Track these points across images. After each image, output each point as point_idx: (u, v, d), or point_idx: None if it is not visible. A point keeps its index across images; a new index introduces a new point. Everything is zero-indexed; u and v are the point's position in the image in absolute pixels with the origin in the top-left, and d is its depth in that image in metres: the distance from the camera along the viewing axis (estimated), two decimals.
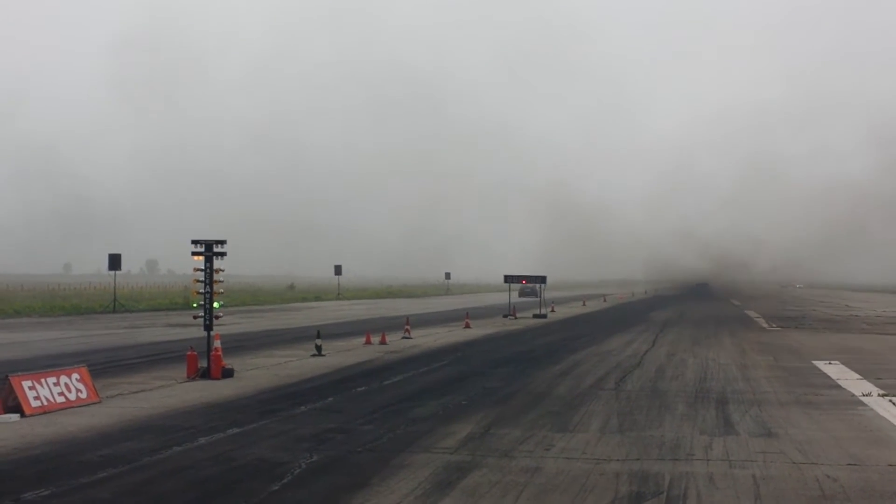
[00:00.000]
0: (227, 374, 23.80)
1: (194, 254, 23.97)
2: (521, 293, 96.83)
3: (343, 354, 30.81)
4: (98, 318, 56.41)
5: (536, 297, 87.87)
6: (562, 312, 67.65)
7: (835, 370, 26.75)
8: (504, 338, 40.71)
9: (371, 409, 18.75)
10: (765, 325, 52.38)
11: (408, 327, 39.92)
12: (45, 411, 17.83)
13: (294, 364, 27.65)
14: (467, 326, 46.60)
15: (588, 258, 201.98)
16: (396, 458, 13.77)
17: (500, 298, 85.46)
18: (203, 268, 23.95)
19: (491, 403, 19.54)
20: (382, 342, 34.97)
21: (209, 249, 23.91)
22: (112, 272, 64.16)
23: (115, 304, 64.58)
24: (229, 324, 45.45)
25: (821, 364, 28.61)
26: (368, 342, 35.03)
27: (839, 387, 22.97)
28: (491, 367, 27.29)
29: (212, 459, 13.76)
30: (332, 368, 26.47)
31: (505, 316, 58.30)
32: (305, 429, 16.31)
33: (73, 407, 18.46)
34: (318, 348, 30.44)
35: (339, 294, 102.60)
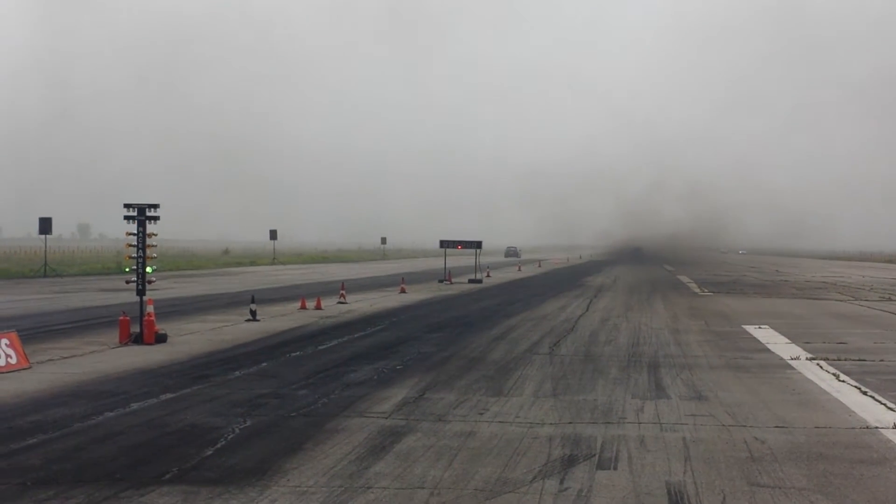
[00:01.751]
0: (161, 339, 23.60)
1: (126, 218, 23.67)
2: (507, 254, 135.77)
3: (278, 319, 30.67)
4: (28, 282, 55.51)
5: (518, 257, 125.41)
6: (497, 277, 67.93)
7: (764, 334, 27.21)
8: (439, 302, 40.81)
9: (306, 373, 18.71)
10: (697, 291, 53.10)
11: (343, 292, 39.84)
12: None
13: (228, 329, 27.47)
14: (403, 291, 46.63)
15: (534, 221, 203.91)
16: (331, 423, 13.76)
17: (436, 263, 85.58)
18: (135, 232, 23.67)
19: (426, 368, 19.60)
20: (318, 307, 34.87)
21: (142, 213, 23.61)
22: (43, 236, 63.17)
23: (46, 269, 63.57)
24: (163, 289, 45.01)
25: (751, 328, 29.10)
26: (303, 307, 34.90)
27: (768, 351, 23.37)
28: (426, 331, 27.35)
29: (144, 425, 13.64)
30: (266, 333, 26.35)
31: (440, 281, 58.38)
32: (239, 394, 16.23)
33: (2, 372, 18.18)
34: (253, 313, 30.27)
35: (275, 259, 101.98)
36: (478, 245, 61.39)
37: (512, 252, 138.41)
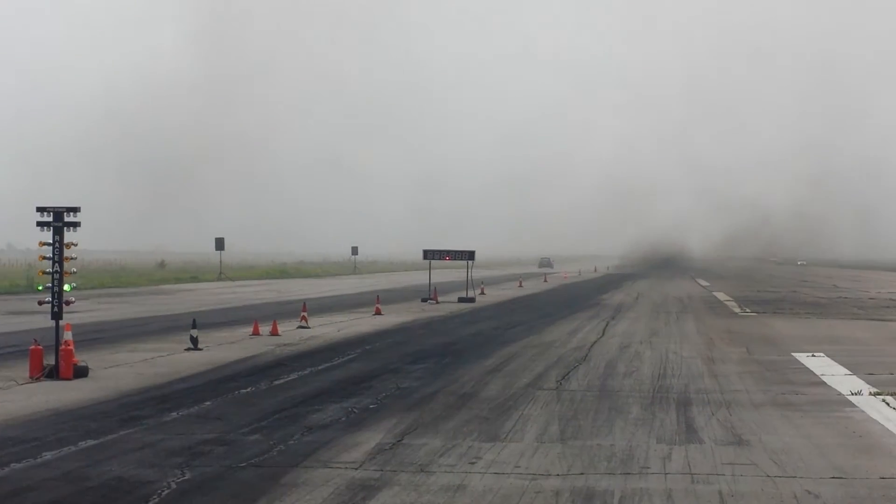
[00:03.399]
0: (81, 372, 23.50)
1: (40, 224, 23.60)
2: (540, 265, 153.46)
3: (225, 348, 30.66)
4: None
5: (552, 268, 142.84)
6: (493, 295, 67.91)
7: (818, 364, 27.25)
8: (423, 326, 40.82)
9: (258, 415, 18.69)
10: (737, 310, 53.19)
11: (305, 314, 39.78)
12: None
13: (164, 360, 27.44)
14: (378, 313, 46.60)
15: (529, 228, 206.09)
16: (289, 476, 13.75)
17: (419, 278, 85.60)
18: (51, 242, 23.60)
19: (405, 407, 19.60)
20: (274, 333, 34.84)
21: (59, 219, 23.55)
22: None
23: None
24: (84, 311, 44.93)
25: (802, 357, 29.13)
26: (256, 333, 34.88)
27: (823, 384, 23.41)
28: (406, 362, 27.36)
29: (60, 479, 13.60)
30: (211, 365, 26.32)
31: (424, 300, 58.29)
32: (176, 440, 16.20)
33: None
34: (194, 340, 30.22)
35: (222, 274, 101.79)
36: (470, 255, 60.95)
37: (546, 262, 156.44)
